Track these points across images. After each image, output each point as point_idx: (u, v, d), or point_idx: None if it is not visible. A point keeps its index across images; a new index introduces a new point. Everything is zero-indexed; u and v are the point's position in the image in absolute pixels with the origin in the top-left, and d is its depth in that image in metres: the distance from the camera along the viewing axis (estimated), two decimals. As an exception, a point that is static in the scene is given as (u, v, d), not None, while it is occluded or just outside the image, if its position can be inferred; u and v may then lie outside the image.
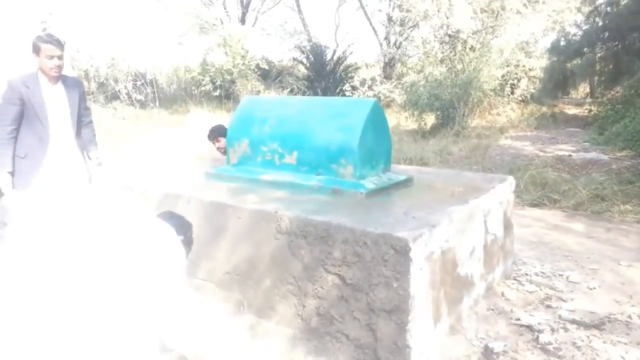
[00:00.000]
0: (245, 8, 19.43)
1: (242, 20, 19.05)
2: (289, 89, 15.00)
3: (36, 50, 3.23)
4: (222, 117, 12.07)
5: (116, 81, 12.66)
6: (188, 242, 2.38)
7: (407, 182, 3.22)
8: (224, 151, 5.03)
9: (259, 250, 2.76)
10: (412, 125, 11.38)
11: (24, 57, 3.57)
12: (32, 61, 3.28)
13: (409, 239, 2.16)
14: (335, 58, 15.70)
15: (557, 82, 13.48)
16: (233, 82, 14.55)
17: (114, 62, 12.73)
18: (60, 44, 3.27)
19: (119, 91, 12.69)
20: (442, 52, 12.70)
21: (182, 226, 2.36)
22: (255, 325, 2.73)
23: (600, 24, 11.75)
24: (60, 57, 3.27)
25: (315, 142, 3.17)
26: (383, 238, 2.24)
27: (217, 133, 4.77)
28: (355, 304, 2.38)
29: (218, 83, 14.43)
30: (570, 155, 7.89)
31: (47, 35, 3.30)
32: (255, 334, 2.66)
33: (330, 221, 2.45)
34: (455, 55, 12.07)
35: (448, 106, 10.25)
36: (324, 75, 14.96)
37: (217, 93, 14.66)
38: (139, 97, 12.93)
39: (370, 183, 3.01)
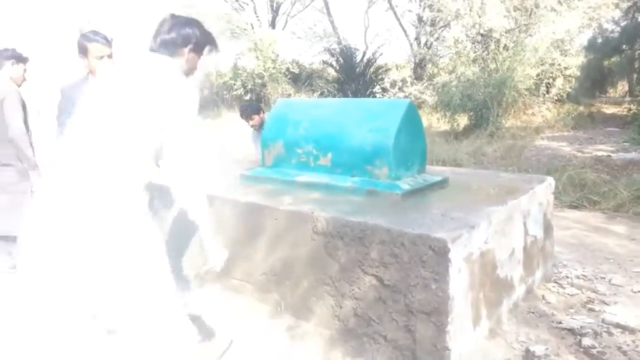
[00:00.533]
0: (275, 12, 19.64)
1: (273, 24, 19.25)
2: (319, 92, 15.06)
3: (83, 50, 3.01)
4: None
5: (151, 87, 12.99)
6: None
7: (442, 183, 3.19)
8: (258, 127, 5.20)
9: (295, 251, 2.78)
10: (444, 126, 11.25)
11: (70, 62, 3.58)
12: (80, 64, 3.06)
13: (448, 239, 2.14)
14: (365, 60, 15.67)
15: (595, 80, 13.10)
16: (264, 85, 14.73)
17: (149, 68, 13.06)
18: (108, 42, 3.05)
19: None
20: (475, 52, 12.50)
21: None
22: (293, 327, 2.75)
23: (640, 19, 11.36)
24: (110, 56, 3.05)
25: (350, 143, 3.18)
26: (421, 239, 2.23)
27: (249, 111, 4.93)
28: (393, 305, 2.37)
29: (249, 87, 14.63)
30: (609, 155, 7.64)
31: (93, 33, 3.06)
32: (294, 335, 2.69)
33: (366, 222, 2.46)
34: (488, 54, 11.87)
35: (481, 106, 10.09)
36: (354, 78, 14.95)
37: (248, 97, 14.85)
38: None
39: (405, 184, 3.00)
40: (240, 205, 3.06)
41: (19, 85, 3.31)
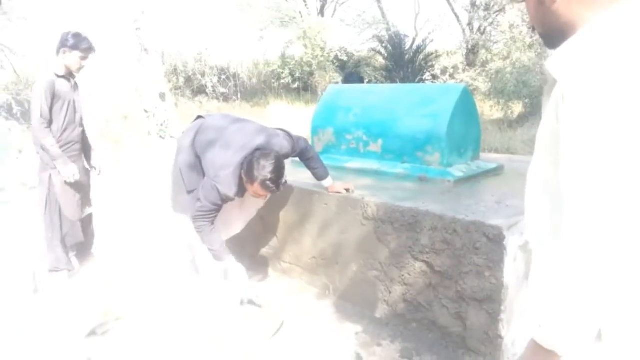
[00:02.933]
0: (324, 0, 19.55)
1: (321, 12, 19.18)
2: (367, 80, 14.93)
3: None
4: (301, 110, 12.29)
5: (203, 75, 13.29)
6: None
7: (497, 170, 3.11)
8: None
9: (344, 236, 2.80)
10: (497, 114, 10.90)
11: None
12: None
13: (503, 227, 2.09)
14: (414, 47, 15.37)
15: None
16: (312, 74, 14.73)
17: (200, 57, 13.37)
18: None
19: (205, 85, 13.32)
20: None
21: None
22: (341, 309, 2.79)
23: None
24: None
25: (401, 129, 3.15)
26: (474, 226, 2.19)
27: (354, 80, 5.05)
28: (443, 292, 2.35)
29: (297, 75, 14.68)
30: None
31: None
32: (341, 318, 2.72)
33: (417, 208, 2.44)
34: (544, 39, 11.32)
35: (537, 93, 9.67)
36: (403, 65, 14.70)
37: (295, 85, 14.92)
38: (222, 90, 13.48)
39: (458, 171, 2.94)
40: (292, 191, 3.11)
41: (74, 73, 3.22)
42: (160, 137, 8.62)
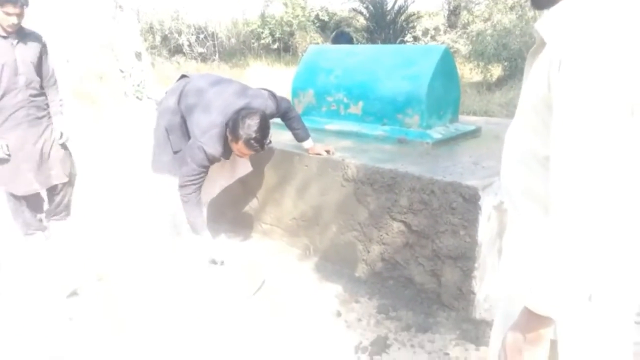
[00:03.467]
0: (304, -44, 18.94)
1: (301, -30, 18.61)
2: (348, 41, 14.69)
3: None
4: (281, 71, 12.10)
5: (179, 34, 12.91)
6: None
7: (475, 133, 3.16)
8: None
9: (325, 197, 2.84)
10: (476, 77, 10.91)
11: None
12: None
13: (479, 187, 2.15)
14: (396, 7, 15.13)
15: None
16: (292, 34, 14.44)
17: (177, 15, 12.95)
18: None
19: (182, 44, 12.96)
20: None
21: None
22: (321, 269, 2.86)
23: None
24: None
25: (382, 91, 3.15)
26: (451, 186, 2.24)
27: (344, 41, 5.03)
28: (420, 251, 2.43)
29: (277, 35, 14.37)
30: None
31: None
32: (321, 277, 2.79)
33: (397, 169, 2.48)
34: (527, 0, 11.29)
35: (517, 56, 9.68)
36: (384, 26, 14.48)
37: (275, 46, 14.63)
38: (201, 50, 13.14)
39: (437, 133, 2.98)
40: (271, 153, 3.11)
41: (7, 30, 2.78)
42: (137, 97, 8.43)
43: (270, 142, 2.66)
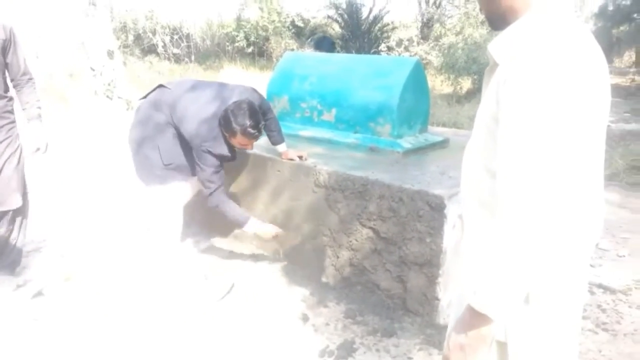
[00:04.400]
0: (281, -38, 19.00)
1: (279, -25, 18.67)
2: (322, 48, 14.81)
3: None
4: (255, 75, 12.09)
5: (153, 33, 12.76)
6: None
7: (443, 143, 3.26)
8: None
9: (296, 202, 2.88)
10: (447, 89, 11.18)
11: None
12: None
13: (445, 196, 2.23)
14: (371, 17, 15.36)
15: (602, 49, 12.90)
16: (267, 39, 14.46)
17: (152, 15, 12.80)
18: None
19: (156, 44, 12.81)
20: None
21: None
22: (290, 273, 2.89)
23: (655, -13, 11.10)
24: None
25: (355, 100, 3.22)
26: (419, 195, 2.32)
27: (327, 46, 5.05)
28: (387, 257, 2.49)
29: (252, 39, 14.37)
30: (608, 125, 7.67)
31: None
32: (290, 281, 2.82)
33: (367, 177, 2.54)
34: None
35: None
36: (359, 35, 14.68)
37: (250, 49, 14.62)
38: (175, 50, 13.02)
39: (407, 142, 3.06)
40: (245, 156, 3.13)
41: None
42: (107, 97, 8.28)
43: (265, 123, 2.70)
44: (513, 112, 0.89)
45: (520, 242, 0.88)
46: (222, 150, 2.58)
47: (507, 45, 0.97)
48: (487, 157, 1.04)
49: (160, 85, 2.80)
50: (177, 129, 2.65)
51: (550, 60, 0.87)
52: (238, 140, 2.57)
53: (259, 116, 2.56)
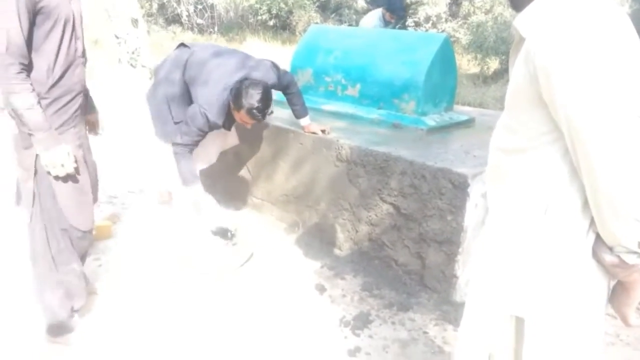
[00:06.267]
0: None
1: (305, -54, 18.32)
2: (347, 24, 14.59)
3: None
4: (277, 49, 12.00)
5: (178, 3, 12.71)
6: None
7: (468, 122, 3.21)
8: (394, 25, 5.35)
9: (317, 175, 2.89)
10: (473, 69, 10.95)
11: None
12: None
13: (469, 175, 2.21)
14: (398, -8, 15.02)
15: (638, 31, 12.43)
16: (290, 12, 14.28)
17: (177, -17, 12.72)
18: None
19: (180, 14, 12.76)
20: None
21: None
22: (309, 244, 2.92)
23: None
24: None
25: (380, 75, 3.18)
26: (442, 172, 2.30)
27: (399, 7, 5.06)
28: (407, 233, 2.50)
29: (274, 12, 14.21)
30: None
31: None
32: (308, 253, 2.85)
33: (390, 152, 2.53)
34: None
35: (514, 51, 9.71)
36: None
37: (272, 22, 14.48)
38: (199, 21, 12.96)
39: (431, 120, 3.03)
40: (268, 128, 3.14)
41: None
42: (132, 65, 8.33)
43: (272, 112, 2.69)
44: (563, 72, 0.89)
45: (627, 179, 0.88)
46: (217, 119, 2.58)
47: (533, 19, 0.96)
48: (500, 136, 1.09)
49: (182, 44, 2.85)
50: (189, 87, 2.68)
51: (584, 21, 0.88)
52: (240, 116, 2.58)
53: (269, 102, 2.56)
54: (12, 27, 1.61)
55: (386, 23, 5.49)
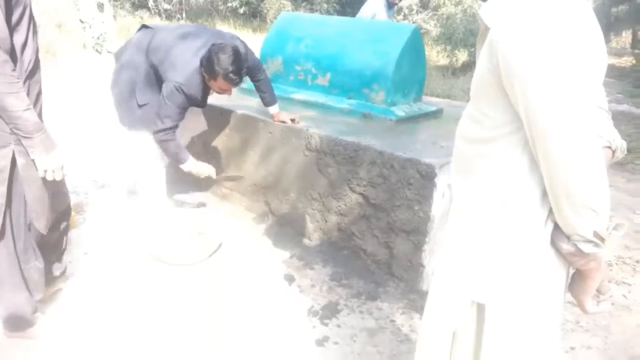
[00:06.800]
0: None
1: None
2: (318, 12, 14.51)
3: None
4: (248, 37, 11.84)
5: (145, -13, 12.37)
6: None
7: (437, 113, 3.25)
8: None
9: (286, 165, 2.87)
10: (442, 60, 11.07)
11: None
12: None
13: (436, 165, 2.24)
14: (370, -18, 14.99)
15: (604, 25, 12.80)
16: (261, 0, 14.10)
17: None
18: None
19: (147, -1, 12.43)
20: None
21: None
22: (278, 234, 2.90)
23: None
24: None
25: (350, 65, 3.18)
26: (410, 162, 2.32)
27: None
28: (376, 223, 2.51)
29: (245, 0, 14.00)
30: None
31: None
32: (277, 243, 2.84)
33: (359, 142, 2.53)
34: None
35: (482, 43, 9.86)
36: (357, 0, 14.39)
37: (242, 10, 14.27)
38: (166, 6, 12.65)
39: (400, 110, 3.04)
40: (237, 117, 3.10)
41: None
42: (97, 51, 8.07)
43: (246, 71, 2.62)
44: (523, 63, 0.89)
45: (582, 170, 0.89)
46: (195, 93, 2.52)
47: (498, 8, 0.97)
48: (464, 125, 1.09)
49: (144, 26, 2.76)
50: (155, 69, 2.59)
51: (547, 12, 0.88)
52: (218, 84, 2.50)
53: (242, 62, 2.48)
54: None
55: (390, 5, 5.51)
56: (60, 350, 1.89)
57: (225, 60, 2.39)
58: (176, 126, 2.56)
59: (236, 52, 2.45)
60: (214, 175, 2.75)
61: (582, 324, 2.26)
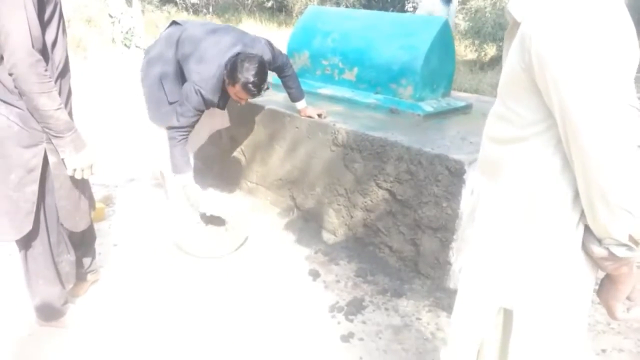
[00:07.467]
0: None
1: None
2: (344, 6, 14.42)
3: None
4: (273, 31, 11.86)
5: (172, -18, 12.50)
6: None
7: (466, 109, 3.19)
8: None
9: (312, 160, 2.86)
10: (470, 55, 10.87)
11: None
12: None
13: (465, 162, 2.20)
14: (396, -25, 14.81)
15: (636, 20, 12.37)
16: (288, -6, 14.09)
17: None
18: None
19: (174, -7, 12.56)
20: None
21: None
22: (303, 229, 2.90)
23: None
24: None
25: (377, 59, 3.14)
26: (438, 158, 2.28)
27: None
28: (402, 219, 2.48)
29: (272, -6, 14.02)
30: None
31: None
32: (303, 238, 2.84)
33: (387, 138, 2.50)
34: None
35: (512, 38, 9.64)
36: (383, -6, 14.23)
37: (269, 4, 14.30)
38: (193, 1, 12.77)
39: (428, 106, 3.00)
40: (263, 112, 3.10)
41: None
42: (125, 45, 8.21)
43: (268, 87, 2.63)
44: (557, 59, 0.86)
45: (618, 170, 0.85)
46: (212, 96, 2.53)
47: (527, 2, 0.93)
48: (493, 125, 1.06)
49: (174, 22, 2.78)
50: (179, 66, 2.62)
51: (580, 7, 0.85)
52: (235, 91, 2.50)
53: (265, 77, 2.48)
54: (31, 17, 1.44)
55: (446, 1, 5.56)
56: (88, 339, 1.93)
57: (249, 70, 2.40)
58: (189, 127, 2.57)
59: (262, 66, 2.45)
60: (199, 210, 2.69)
61: (613, 326, 2.19)
